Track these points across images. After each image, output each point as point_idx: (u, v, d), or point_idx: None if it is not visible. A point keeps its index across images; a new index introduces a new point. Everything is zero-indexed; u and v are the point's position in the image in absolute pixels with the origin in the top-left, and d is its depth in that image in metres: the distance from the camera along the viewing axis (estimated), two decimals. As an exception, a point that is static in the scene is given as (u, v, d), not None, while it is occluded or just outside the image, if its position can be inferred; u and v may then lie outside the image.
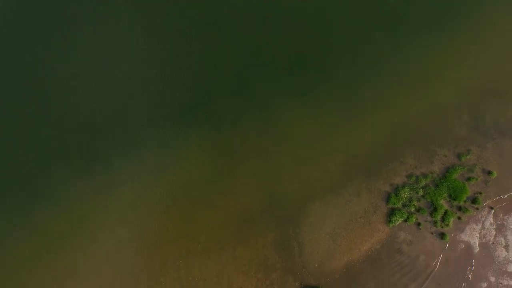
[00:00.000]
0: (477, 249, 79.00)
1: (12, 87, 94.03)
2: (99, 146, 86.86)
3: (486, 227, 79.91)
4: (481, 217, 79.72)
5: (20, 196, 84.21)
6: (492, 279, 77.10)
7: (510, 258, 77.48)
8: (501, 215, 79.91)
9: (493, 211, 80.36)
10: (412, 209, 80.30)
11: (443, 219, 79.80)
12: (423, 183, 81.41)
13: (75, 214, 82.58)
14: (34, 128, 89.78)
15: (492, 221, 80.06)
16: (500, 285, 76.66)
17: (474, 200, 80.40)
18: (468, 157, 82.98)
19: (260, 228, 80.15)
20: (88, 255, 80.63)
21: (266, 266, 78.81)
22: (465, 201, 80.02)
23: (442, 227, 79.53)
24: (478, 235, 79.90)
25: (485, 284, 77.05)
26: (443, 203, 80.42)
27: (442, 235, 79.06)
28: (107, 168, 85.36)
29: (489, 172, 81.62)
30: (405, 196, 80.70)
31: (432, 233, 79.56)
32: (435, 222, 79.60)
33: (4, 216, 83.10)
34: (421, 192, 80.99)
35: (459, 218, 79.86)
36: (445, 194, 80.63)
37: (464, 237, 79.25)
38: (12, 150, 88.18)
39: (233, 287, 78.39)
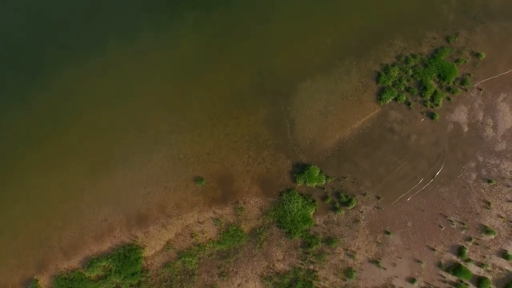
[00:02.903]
0: (466, 129, 68.78)
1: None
2: (95, 30, 72.08)
3: (475, 108, 72.21)
4: (470, 98, 67.93)
5: (20, 76, 70.40)
6: (481, 158, 67.61)
7: (498, 138, 67.63)
8: (489, 96, 68.00)
9: (481, 92, 72.81)
10: (402, 88, 68.82)
11: (432, 98, 68.58)
12: (412, 63, 69.67)
13: (72, 95, 69.18)
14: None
15: (480, 102, 72.50)
16: (488, 164, 67.65)
17: (463, 81, 68.80)
18: (456, 39, 70.66)
19: (251, 105, 67.98)
20: (81, 134, 68.14)
21: (257, 143, 67.88)
22: (454, 82, 68.55)
23: (432, 107, 68.46)
24: (467, 116, 71.24)
25: (473, 164, 67.78)
26: (433, 83, 68.75)
27: (432, 115, 68.22)
28: (103, 52, 70.85)
29: (478, 54, 69.27)
30: (395, 75, 69.31)
31: (422, 113, 68.50)
32: (424, 102, 68.61)
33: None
34: (410, 72, 69.43)
35: (448, 98, 68.25)
36: (434, 74, 69.06)
37: (453, 117, 67.91)
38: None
39: (225, 165, 67.81)
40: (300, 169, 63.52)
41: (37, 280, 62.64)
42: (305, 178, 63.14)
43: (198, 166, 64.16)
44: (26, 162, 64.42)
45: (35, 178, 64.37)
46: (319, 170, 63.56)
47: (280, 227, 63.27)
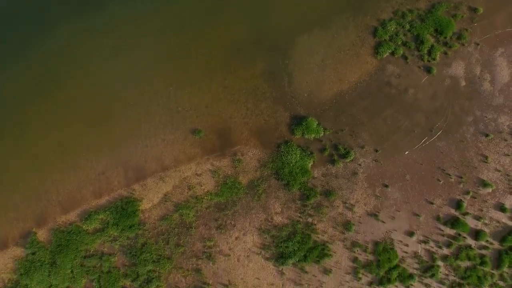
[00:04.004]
0: (463, 83, 64.50)
1: None
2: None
3: (472, 63, 68.47)
4: (467, 53, 63.82)
5: (20, 31, 66.55)
6: (478, 112, 63.90)
7: (495, 93, 63.62)
8: (487, 51, 63.60)
9: (479, 47, 69.77)
10: (399, 42, 64.66)
11: (429, 53, 64.45)
12: (409, 18, 65.60)
13: (71, 51, 65.69)
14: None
15: (478, 57, 69.11)
16: (486, 118, 63.89)
17: (460, 36, 64.61)
18: (453, -5, 61.04)
19: (249, 59, 64.07)
20: (80, 89, 65.04)
21: (255, 96, 64.19)
22: (451, 37, 64.64)
23: (429, 61, 64.31)
24: (464, 70, 63.80)
25: (470, 118, 63.47)
26: (429, 37, 64.63)
27: (429, 69, 64.31)
28: (103, 8, 66.83)
29: (475, 9, 65.20)
30: (392, 29, 65.25)
31: (419, 67, 64.58)
32: (421, 56, 64.48)
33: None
34: (407, 26, 65.38)
35: (445, 53, 64.00)
36: (431, 29, 64.75)
37: (450, 71, 63.80)
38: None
39: (223, 117, 63.99)
40: (298, 121, 60.62)
41: (35, 233, 59.87)
42: (303, 129, 60.38)
43: (196, 119, 61.21)
44: (25, 117, 60.92)
45: (34, 134, 60.76)
46: (317, 122, 60.85)
47: (278, 179, 60.47)
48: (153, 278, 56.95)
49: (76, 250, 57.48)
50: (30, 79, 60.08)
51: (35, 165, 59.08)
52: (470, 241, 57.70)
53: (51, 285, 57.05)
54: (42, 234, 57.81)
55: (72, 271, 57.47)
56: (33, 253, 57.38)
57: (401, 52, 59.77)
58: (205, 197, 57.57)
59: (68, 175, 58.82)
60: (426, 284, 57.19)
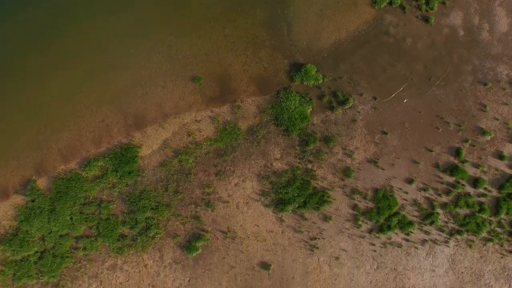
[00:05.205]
0: (461, 33, 60.94)
1: None
2: None
3: (471, 12, 65.40)
4: (465, 3, 60.25)
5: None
6: (476, 62, 60.60)
7: (494, 42, 60.12)
8: (485, 1, 60.61)
9: None
10: None
11: (427, 2, 60.78)
12: None
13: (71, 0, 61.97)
14: None
15: (476, 7, 65.06)
16: (484, 67, 60.65)
17: None
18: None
19: (249, 8, 61.19)
20: (80, 38, 62.40)
21: (255, 44, 60.99)
22: None
23: (427, 11, 61.02)
24: (463, 20, 59.61)
25: (469, 67, 59.95)
26: None
27: (427, 19, 61.33)
28: None
29: None
30: None
31: (417, 17, 61.19)
32: (419, 6, 60.97)
33: None
34: None
35: (443, 3, 60.47)
36: None
37: (448, 21, 60.40)
38: None
39: (223, 64, 61.03)
40: (297, 69, 58.91)
41: (35, 181, 57.11)
42: (302, 76, 57.71)
43: (196, 66, 58.47)
44: (24, 67, 58.37)
45: (34, 83, 57.85)
46: (315, 69, 58.69)
47: (278, 125, 57.79)
48: (151, 225, 54.38)
49: (75, 197, 54.63)
50: (31, 28, 56.93)
51: (35, 113, 55.82)
52: (469, 188, 54.94)
53: (51, 231, 54.42)
54: (42, 182, 55.08)
55: (71, 218, 54.60)
56: (33, 200, 54.60)
57: (399, 2, 57.36)
58: (205, 143, 55.06)
59: (68, 123, 55.95)
60: (425, 231, 54.45)
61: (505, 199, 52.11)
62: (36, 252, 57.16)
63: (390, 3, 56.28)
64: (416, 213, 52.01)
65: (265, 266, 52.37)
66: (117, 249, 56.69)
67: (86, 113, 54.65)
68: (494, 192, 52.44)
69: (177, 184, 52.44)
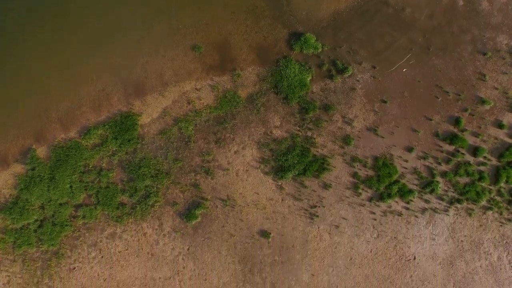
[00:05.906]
0: (461, 3, 60.40)
1: None
2: None
3: None
4: None
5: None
6: (476, 31, 60.43)
7: (494, 12, 60.13)
8: None
9: None
10: None
11: None
12: None
13: None
14: None
15: None
16: (483, 37, 60.46)
17: None
18: None
19: None
20: (81, 7, 62.43)
21: (254, 14, 61.00)
22: None
23: None
24: None
25: (468, 37, 59.83)
26: None
27: None
28: None
29: None
30: None
31: None
32: None
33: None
34: None
35: None
36: None
37: None
38: None
39: (223, 34, 62.10)
40: (297, 38, 58.72)
41: (35, 150, 56.85)
42: (301, 45, 57.56)
43: (196, 36, 58.21)
44: (26, 36, 58.42)
45: (35, 52, 57.68)
46: (315, 38, 58.65)
47: (277, 93, 57.61)
48: (151, 193, 53.99)
49: (75, 165, 54.34)
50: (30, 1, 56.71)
51: (35, 82, 55.70)
52: (468, 157, 54.59)
53: (51, 199, 54.05)
54: (41, 151, 54.87)
55: (71, 186, 54.23)
56: (33, 169, 54.31)
57: (398, -28, 56.67)
58: (204, 111, 54.81)
59: (68, 92, 55.75)
60: (425, 200, 54.04)
61: (504, 167, 51.97)
62: (36, 220, 57.22)
63: (389, -26, 54.74)
64: (416, 182, 51.78)
65: (264, 234, 54.44)
66: (116, 217, 56.64)
67: (86, 82, 54.64)
68: (494, 161, 52.31)
69: (176, 151, 52.10)
